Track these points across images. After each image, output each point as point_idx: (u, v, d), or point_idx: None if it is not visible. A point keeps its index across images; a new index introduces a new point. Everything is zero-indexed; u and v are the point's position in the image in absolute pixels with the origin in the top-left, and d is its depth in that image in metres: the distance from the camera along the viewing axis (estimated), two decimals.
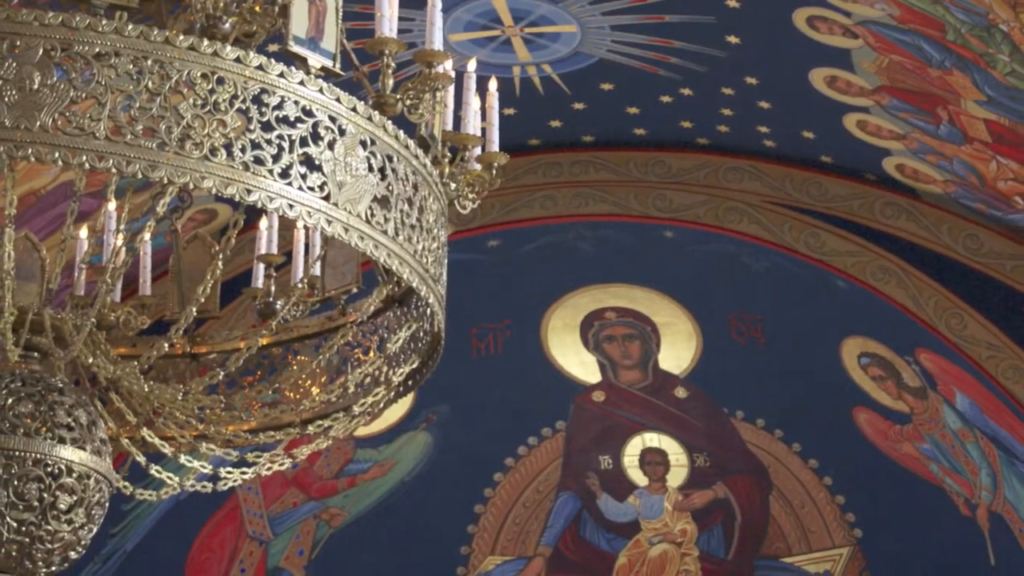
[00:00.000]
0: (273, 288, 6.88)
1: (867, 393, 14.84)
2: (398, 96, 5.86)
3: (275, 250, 6.95)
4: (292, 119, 5.28)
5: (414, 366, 6.60)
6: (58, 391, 6.00)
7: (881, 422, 14.93)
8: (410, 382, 6.66)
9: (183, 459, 6.81)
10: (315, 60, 5.55)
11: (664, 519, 16.02)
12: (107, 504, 6.13)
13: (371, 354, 6.72)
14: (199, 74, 5.16)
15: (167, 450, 6.74)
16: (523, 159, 13.96)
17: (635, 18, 11.73)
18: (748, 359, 15.20)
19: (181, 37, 5.16)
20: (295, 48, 5.53)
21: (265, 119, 5.23)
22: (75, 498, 5.90)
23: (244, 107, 5.20)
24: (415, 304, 6.57)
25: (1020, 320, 13.41)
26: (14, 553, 5.84)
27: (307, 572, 15.52)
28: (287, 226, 6.69)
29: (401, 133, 5.65)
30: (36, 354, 6.18)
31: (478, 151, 6.42)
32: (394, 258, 5.55)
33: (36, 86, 5.00)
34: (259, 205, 5.19)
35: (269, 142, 5.22)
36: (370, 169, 5.47)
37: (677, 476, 16.00)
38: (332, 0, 5.69)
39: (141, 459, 6.75)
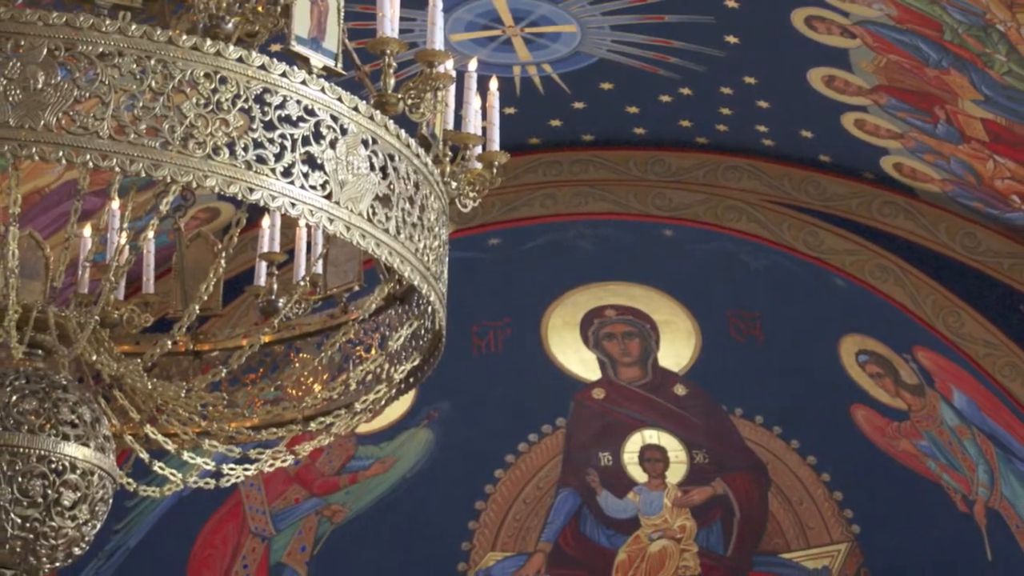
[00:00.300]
0: (275, 286, 6.87)
1: (865, 390, 14.86)
2: (399, 95, 5.87)
3: (277, 248, 6.94)
4: (294, 118, 5.29)
5: (415, 363, 6.60)
6: (62, 388, 6.01)
7: (879, 419, 14.95)
8: (411, 379, 6.67)
9: (186, 456, 6.81)
10: (317, 60, 5.56)
11: (663, 515, 16.04)
12: (111, 500, 6.14)
13: (373, 352, 6.72)
14: (202, 74, 5.16)
15: (170, 447, 6.76)
16: (523, 158, 13.97)
17: (635, 18, 11.75)
18: (747, 357, 15.22)
19: (184, 37, 5.16)
20: (297, 48, 5.54)
21: (267, 118, 5.24)
22: (79, 494, 5.91)
23: (247, 106, 5.21)
24: (416, 302, 6.58)
25: (1017, 318, 13.42)
26: (18, 549, 5.85)
27: (309, 568, 15.53)
28: (289, 224, 6.65)
29: (402, 132, 5.66)
30: (40, 352, 6.20)
31: (479, 150, 6.42)
32: (395, 256, 5.56)
33: (40, 86, 5.01)
34: (261, 204, 5.20)
35: (271, 141, 5.23)
36: (372, 168, 5.48)
37: (676, 473, 16.01)
38: (334, 0, 5.70)
39: (144, 456, 6.77)
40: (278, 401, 6.89)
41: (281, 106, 5.28)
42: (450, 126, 6.32)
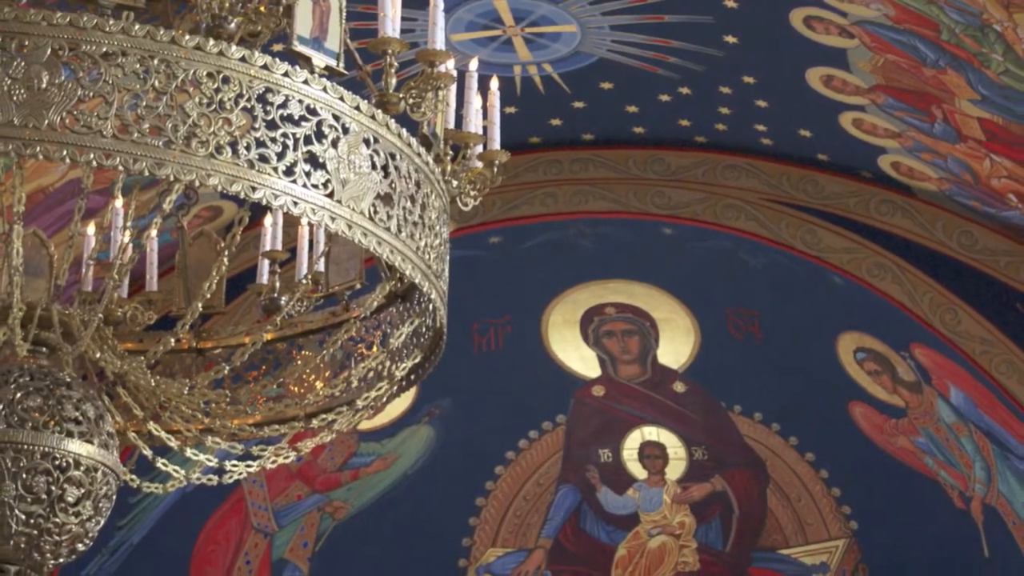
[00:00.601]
0: (278, 284, 6.85)
1: (863, 388, 14.87)
2: (401, 95, 5.88)
3: (279, 247, 6.94)
4: (296, 117, 5.30)
5: (416, 361, 6.61)
6: (66, 385, 6.02)
7: (877, 416, 14.96)
8: (412, 377, 6.67)
9: (189, 452, 6.81)
10: (319, 59, 5.57)
11: (663, 511, 16.05)
12: (114, 497, 6.14)
13: (374, 349, 6.72)
14: (205, 73, 5.17)
15: (173, 444, 6.75)
16: (524, 157, 13.99)
17: (634, 18, 11.76)
18: (746, 354, 15.23)
19: (187, 37, 5.17)
20: (299, 48, 5.55)
21: (270, 117, 5.25)
22: (83, 491, 5.92)
23: (249, 106, 5.22)
24: (417, 300, 6.59)
25: (1013, 316, 13.43)
26: (23, 545, 5.86)
27: (311, 564, 15.54)
28: (291, 223, 6.65)
29: (404, 131, 5.67)
30: (44, 349, 6.20)
31: (480, 149, 6.43)
32: (397, 254, 5.57)
33: (44, 85, 5.02)
34: (264, 202, 5.21)
35: (274, 140, 5.24)
36: (373, 167, 5.49)
37: (676, 469, 16.03)
38: (336, 0, 5.71)
39: (148, 452, 6.77)
40: (280, 398, 6.89)
41: (283, 105, 5.29)
42: (451, 125, 6.32)
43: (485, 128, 6.50)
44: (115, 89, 5.08)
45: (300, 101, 5.33)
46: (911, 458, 14.90)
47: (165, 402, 6.66)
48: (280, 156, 5.26)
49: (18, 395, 5.93)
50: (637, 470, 16.08)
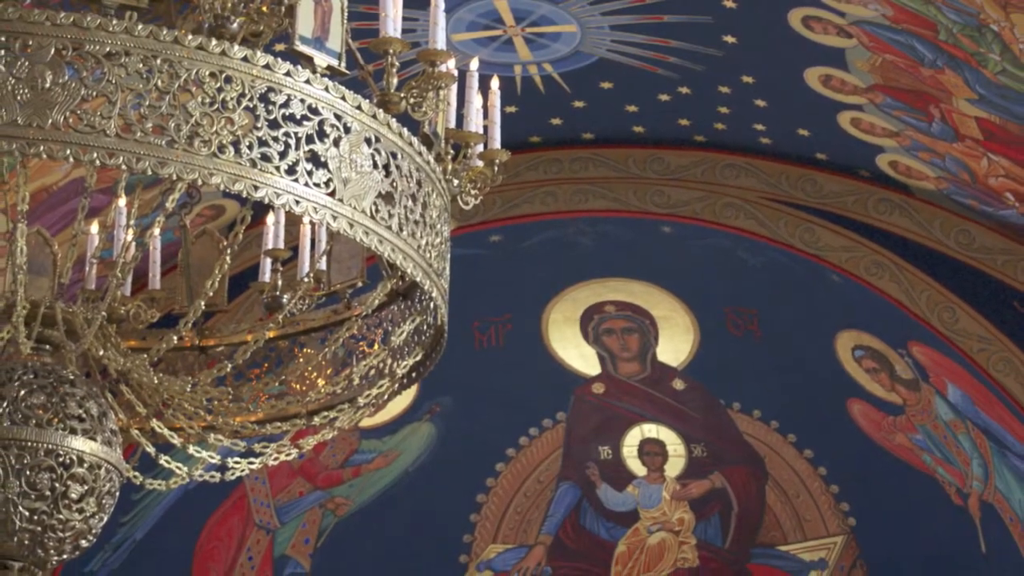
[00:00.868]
0: (280, 282, 6.86)
1: (861, 385, 14.89)
2: (402, 94, 5.89)
3: (282, 245, 6.94)
4: (298, 117, 5.30)
5: (418, 358, 6.63)
6: (69, 383, 6.04)
7: (875, 413, 14.98)
8: (414, 374, 6.69)
9: (192, 449, 6.83)
10: (321, 59, 5.57)
11: (662, 508, 16.07)
12: (117, 494, 6.16)
13: (376, 347, 6.73)
14: (207, 73, 5.17)
15: (176, 441, 6.77)
16: (524, 156, 14.00)
17: (634, 18, 11.77)
18: (744, 352, 15.25)
19: (190, 37, 5.17)
20: (301, 47, 5.55)
21: (272, 117, 5.25)
22: (86, 488, 5.94)
23: (251, 105, 5.22)
24: (419, 298, 6.61)
25: (1010, 314, 13.44)
26: (26, 542, 5.87)
27: (313, 560, 15.56)
28: (293, 222, 6.65)
29: (405, 131, 5.67)
30: (48, 347, 6.22)
31: (480, 148, 6.44)
32: (398, 253, 5.58)
33: (48, 85, 5.02)
34: (266, 201, 5.21)
35: (276, 139, 5.24)
36: (375, 166, 5.49)
37: (675, 466, 16.05)
38: (337, 1, 5.71)
39: (151, 449, 6.78)
40: (282, 396, 6.89)
41: (285, 105, 5.29)
42: (452, 124, 6.33)
43: (486, 127, 6.51)
44: (118, 89, 5.08)
45: (302, 101, 5.34)
46: (909, 455, 14.92)
47: (168, 399, 6.67)
48: (282, 155, 5.26)
49: (22, 392, 5.94)
50: (637, 467, 16.10)
